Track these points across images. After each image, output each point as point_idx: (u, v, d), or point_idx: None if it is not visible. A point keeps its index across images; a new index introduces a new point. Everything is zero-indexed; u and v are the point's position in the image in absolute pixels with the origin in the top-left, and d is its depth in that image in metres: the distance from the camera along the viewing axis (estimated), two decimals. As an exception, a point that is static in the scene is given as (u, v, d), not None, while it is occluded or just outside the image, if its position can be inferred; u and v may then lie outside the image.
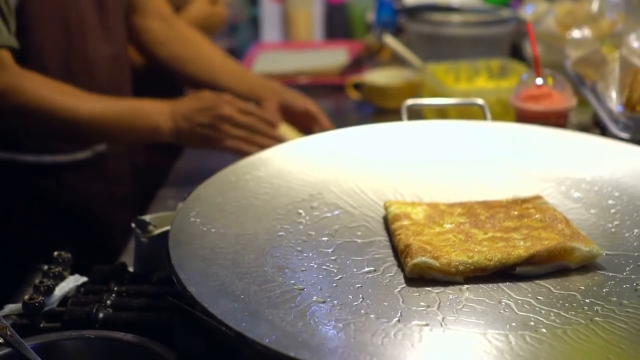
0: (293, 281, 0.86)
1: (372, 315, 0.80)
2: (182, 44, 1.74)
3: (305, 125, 1.66)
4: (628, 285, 0.86)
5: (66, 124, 1.40)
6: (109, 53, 1.59)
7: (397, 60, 2.15)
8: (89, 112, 1.41)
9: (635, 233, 0.97)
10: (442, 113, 1.72)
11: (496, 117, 1.61)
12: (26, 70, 1.38)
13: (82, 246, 1.53)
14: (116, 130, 1.46)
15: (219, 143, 1.48)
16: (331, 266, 0.90)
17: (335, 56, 2.46)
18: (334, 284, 0.86)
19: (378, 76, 2.08)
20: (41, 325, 0.95)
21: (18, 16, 1.39)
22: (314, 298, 0.83)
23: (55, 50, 1.49)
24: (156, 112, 1.46)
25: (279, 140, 1.45)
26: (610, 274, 0.89)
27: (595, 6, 1.68)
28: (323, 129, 1.64)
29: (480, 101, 1.32)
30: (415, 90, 1.97)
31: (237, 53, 2.92)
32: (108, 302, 0.97)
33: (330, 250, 0.94)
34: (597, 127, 1.49)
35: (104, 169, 1.64)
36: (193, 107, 1.48)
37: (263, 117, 1.51)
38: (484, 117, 1.30)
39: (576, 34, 1.64)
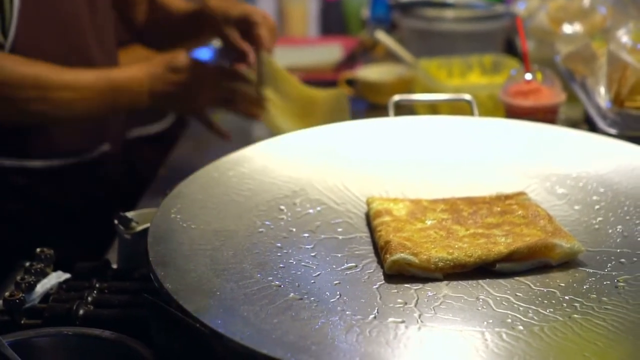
0: (271, 278, 0.86)
1: (348, 312, 0.80)
2: None
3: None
4: (608, 282, 0.85)
5: (46, 93, 1.38)
6: (101, 51, 1.58)
7: (391, 56, 2.14)
8: (70, 82, 1.40)
9: (618, 229, 0.96)
10: (433, 109, 1.72)
11: (488, 112, 1.60)
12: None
13: (80, 248, 1.54)
14: (97, 105, 1.44)
15: (196, 103, 1.48)
16: (310, 263, 0.90)
17: (330, 52, 2.45)
18: (312, 281, 0.86)
19: (371, 72, 2.07)
20: (22, 322, 0.95)
21: (18, 19, 1.39)
22: (291, 295, 0.82)
23: (55, 49, 1.48)
24: (134, 82, 1.44)
25: (261, 102, 1.45)
26: (591, 271, 0.88)
27: (586, 1, 1.67)
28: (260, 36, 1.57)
29: (467, 97, 1.32)
30: (408, 86, 1.96)
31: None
32: (89, 298, 0.97)
33: (310, 247, 0.94)
34: (587, 122, 1.48)
35: (101, 170, 1.64)
36: (165, 66, 1.46)
37: (242, 77, 1.50)
38: (472, 113, 1.30)
39: (567, 29, 1.63)
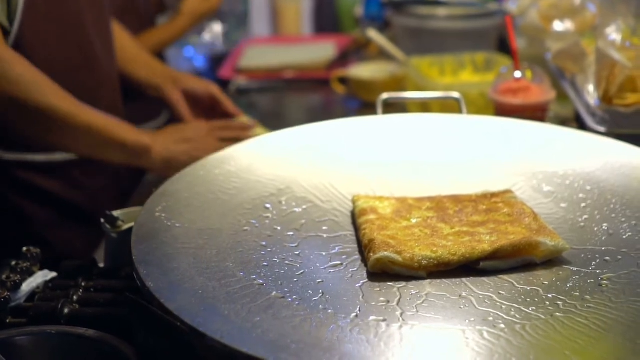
0: (254, 276, 0.86)
1: (330, 311, 0.79)
2: None
3: (210, 108, 1.73)
4: (592, 280, 0.85)
5: (52, 116, 1.35)
6: (102, 49, 1.59)
7: (384, 54, 2.14)
8: (79, 114, 1.37)
9: (604, 227, 0.96)
10: (424, 107, 1.71)
11: (479, 110, 1.60)
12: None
13: (85, 242, 1.54)
14: (102, 140, 1.40)
15: (203, 155, 1.49)
16: (294, 261, 0.90)
17: (323, 50, 2.45)
18: (295, 279, 0.86)
19: (363, 70, 2.07)
20: (7, 320, 0.94)
21: (25, 16, 1.39)
22: (273, 293, 0.82)
23: (59, 48, 1.49)
24: (141, 132, 1.46)
25: None
26: (576, 269, 0.88)
27: (577, -1, 1.67)
28: (227, 112, 1.71)
29: (456, 95, 1.32)
30: (400, 84, 1.96)
31: (225, 47, 2.92)
32: (75, 297, 0.97)
33: (294, 245, 0.93)
34: (577, 120, 1.48)
35: (102, 165, 1.65)
36: (174, 129, 1.52)
37: (240, 126, 1.59)
38: (460, 111, 1.29)
39: (558, 26, 1.63)
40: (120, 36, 1.80)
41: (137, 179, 1.67)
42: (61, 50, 1.49)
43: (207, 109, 1.76)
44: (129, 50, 1.80)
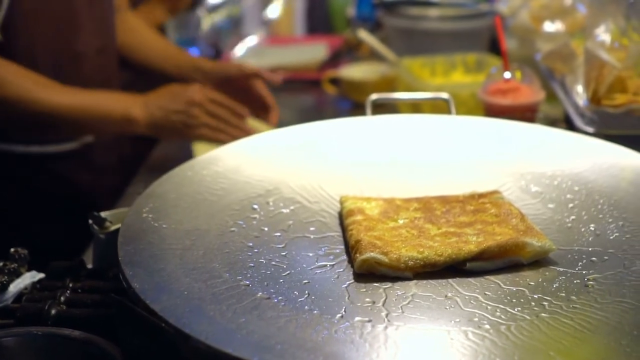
0: (240, 277, 0.85)
1: (315, 311, 0.79)
2: (127, 33, 1.77)
3: (247, 87, 1.72)
4: (578, 281, 0.85)
5: (39, 114, 1.41)
6: (98, 45, 1.59)
7: (376, 55, 2.15)
8: (61, 102, 1.42)
9: (591, 228, 0.96)
10: (415, 108, 1.72)
11: (469, 111, 1.60)
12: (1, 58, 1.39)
13: (69, 236, 1.54)
14: (90, 121, 1.47)
15: (191, 131, 1.51)
16: (280, 262, 0.90)
17: (315, 51, 2.45)
18: (281, 280, 0.86)
19: (354, 71, 2.07)
20: (-6, 321, 0.94)
21: (11, 10, 1.39)
22: (259, 294, 0.82)
23: (44, 42, 1.49)
24: (129, 102, 1.49)
25: (249, 132, 1.47)
26: (562, 270, 0.88)
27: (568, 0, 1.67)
28: (265, 82, 1.71)
29: (445, 95, 1.32)
30: (391, 84, 1.96)
31: (217, 47, 2.92)
32: (62, 298, 0.96)
33: (281, 246, 0.93)
34: (566, 121, 1.48)
35: (90, 160, 1.65)
36: (165, 96, 1.52)
37: (233, 109, 1.55)
38: (449, 112, 1.29)
39: (548, 27, 1.64)
40: (145, 31, 1.80)
41: (123, 177, 1.67)
42: (47, 46, 1.49)
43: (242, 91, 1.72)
44: (154, 44, 1.80)
